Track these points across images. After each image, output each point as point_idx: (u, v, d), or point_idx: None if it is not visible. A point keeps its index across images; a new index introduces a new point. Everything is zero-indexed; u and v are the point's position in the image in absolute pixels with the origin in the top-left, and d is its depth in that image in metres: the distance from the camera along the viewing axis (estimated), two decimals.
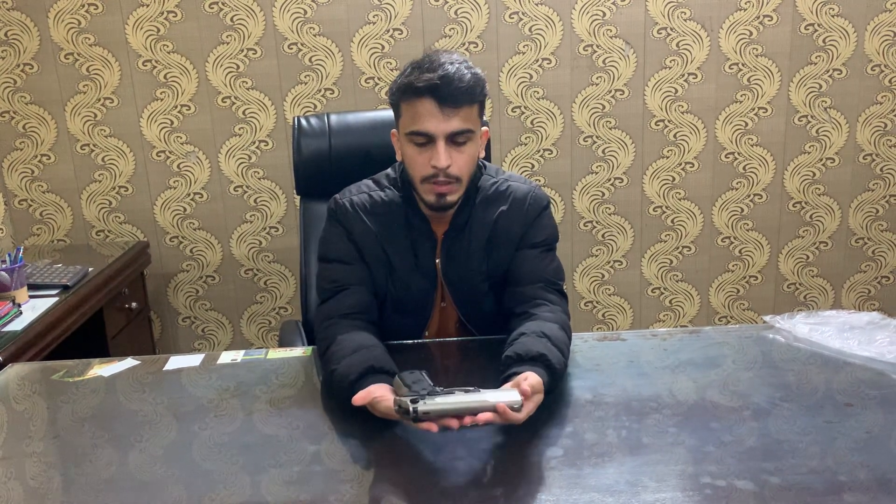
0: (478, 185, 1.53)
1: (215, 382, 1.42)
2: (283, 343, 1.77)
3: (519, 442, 1.16)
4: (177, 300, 2.80)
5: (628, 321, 2.88)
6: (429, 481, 1.10)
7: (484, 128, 1.48)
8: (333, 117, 1.95)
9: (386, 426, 1.20)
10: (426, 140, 1.39)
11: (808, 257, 2.83)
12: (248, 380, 1.42)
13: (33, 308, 1.90)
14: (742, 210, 2.77)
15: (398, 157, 1.50)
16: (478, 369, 1.46)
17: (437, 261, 1.51)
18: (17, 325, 1.79)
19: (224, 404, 1.33)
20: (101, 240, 2.72)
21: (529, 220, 1.52)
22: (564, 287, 1.51)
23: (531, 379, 1.17)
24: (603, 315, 2.88)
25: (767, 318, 1.57)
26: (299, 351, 1.54)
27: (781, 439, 1.16)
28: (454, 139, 1.39)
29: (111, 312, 2.23)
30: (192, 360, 1.52)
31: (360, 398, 1.18)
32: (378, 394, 1.19)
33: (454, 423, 1.10)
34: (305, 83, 2.59)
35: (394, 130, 1.49)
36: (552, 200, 1.53)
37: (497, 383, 1.22)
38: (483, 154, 1.52)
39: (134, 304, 2.40)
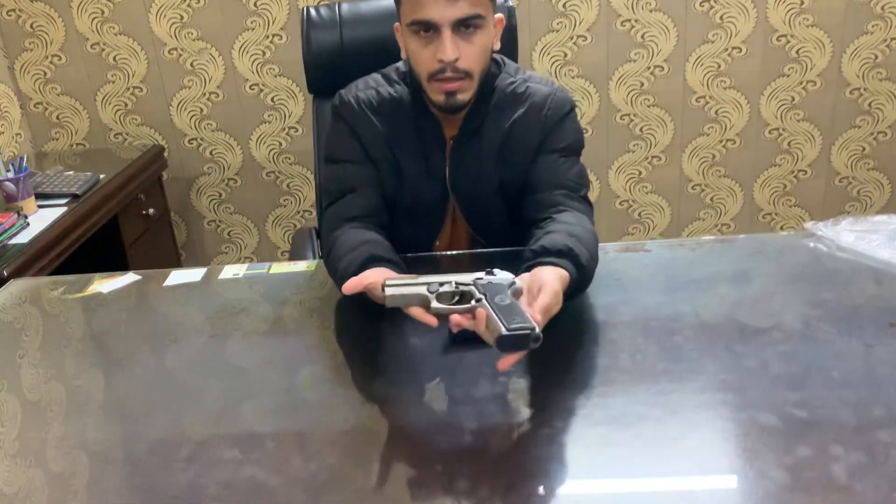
0: (494, 86, 1.38)
1: (215, 300, 1.36)
2: (294, 253, 1.70)
3: (519, 366, 1.07)
4: (200, 203, 2.75)
5: (666, 220, 2.74)
6: (427, 408, 1.03)
7: (498, 14, 1.32)
8: (345, 6, 1.79)
9: (392, 344, 1.13)
10: (430, 30, 1.25)
11: (863, 149, 2.62)
12: (249, 297, 1.36)
13: (42, 219, 1.85)
14: (793, 99, 2.56)
15: (403, 55, 1.36)
16: None
17: (446, 169, 1.40)
18: (24, 238, 1.75)
19: (221, 324, 1.28)
20: (120, 143, 2.65)
21: (549, 126, 1.37)
22: (589, 194, 1.38)
23: (544, 297, 1.01)
24: (639, 214, 2.74)
25: (809, 224, 1.43)
26: (303, 265, 1.46)
27: (812, 366, 1.05)
28: (461, 27, 1.24)
29: (127, 220, 2.19)
30: (194, 275, 1.46)
31: (350, 285, 1.08)
32: (372, 279, 1.10)
33: (431, 320, 1.02)
34: None
35: (397, 24, 1.35)
36: (576, 105, 1.38)
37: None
38: (498, 46, 1.37)
39: (151, 211, 2.35)
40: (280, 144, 2.65)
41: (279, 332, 1.24)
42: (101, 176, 2.13)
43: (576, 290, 1.13)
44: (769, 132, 2.59)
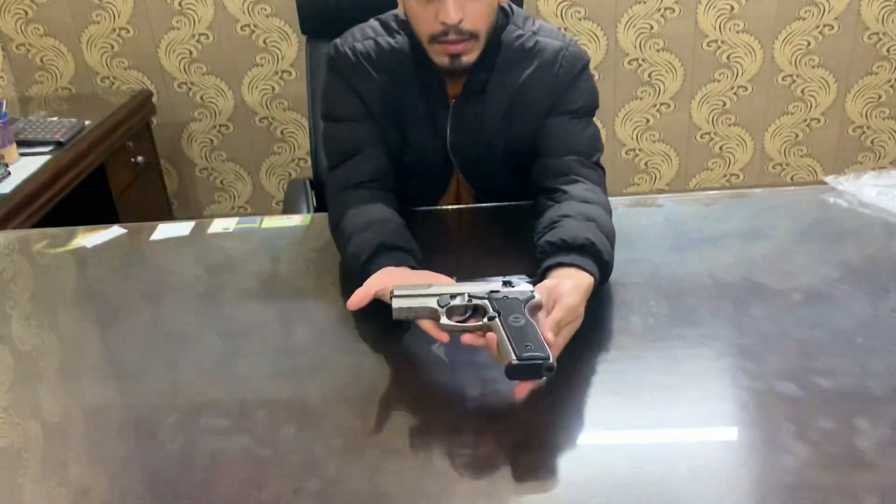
0: (500, 40, 1.25)
1: (203, 256, 1.30)
2: (287, 206, 1.63)
3: None
4: (192, 150, 2.67)
5: (673, 170, 2.66)
6: (431, 372, 0.98)
7: None
8: None
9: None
10: None
11: (879, 97, 2.53)
12: (241, 253, 1.29)
13: (24, 168, 1.77)
14: (808, 43, 2.45)
15: (399, 8, 1.25)
16: (500, 240, 1.30)
17: (448, 130, 1.30)
18: (5, 188, 1.68)
19: (212, 281, 1.21)
20: (107, 87, 2.55)
21: (561, 85, 1.25)
22: (602, 159, 1.28)
23: (558, 311, 0.89)
24: (645, 164, 2.66)
25: (829, 178, 1.36)
26: (297, 219, 1.39)
27: (836, 331, 0.99)
28: None
29: (114, 168, 2.11)
30: (182, 228, 1.39)
31: (356, 301, 0.98)
32: (378, 288, 1.00)
33: (442, 336, 0.93)
34: None
35: None
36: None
37: (524, 266, 1.08)
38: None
39: (140, 158, 2.27)
40: (273, 89, 2.55)
41: (272, 289, 1.18)
42: (87, 122, 2.04)
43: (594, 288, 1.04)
44: (782, 79, 2.50)
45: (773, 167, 2.63)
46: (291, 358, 1.03)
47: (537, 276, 1.03)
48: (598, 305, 1.07)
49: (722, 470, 0.81)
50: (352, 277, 1.07)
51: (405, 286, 0.97)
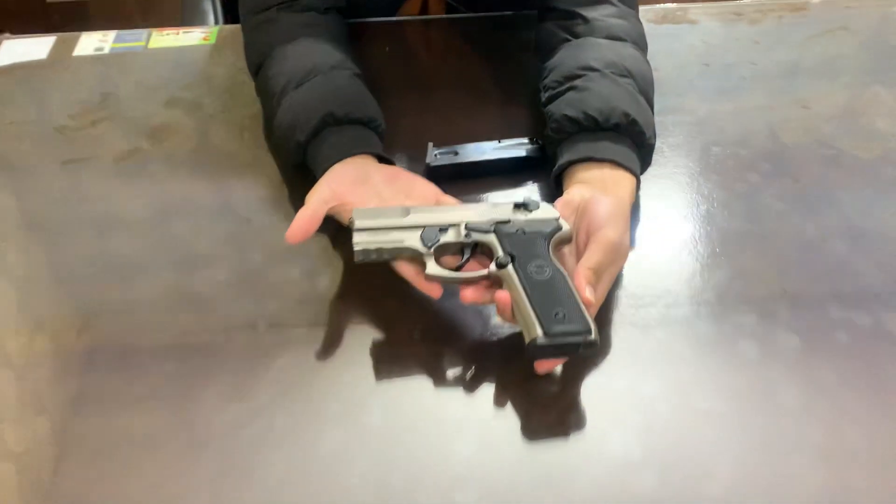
0: None
1: (65, 94, 0.91)
2: (185, 15, 1.18)
3: None
4: None
5: None
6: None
7: None
8: None
9: None
10: None
11: None
12: (117, 90, 0.91)
13: None
14: None
15: None
16: (487, 73, 0.94)
17: None
18: None
19: (82, 138, 0.85)
20: None
21: None
22: None
23: (593, 253, 0.60)
24: None
25: None
26: (198, 36, 1.00)
27: None
28: None
29: None
30: (35, 48, 0.98)
31: (298, 230, 0.64)
32: (331, 203, 0.66)
33: (431, 289, 0.63)
34: None
35: None
36: None
37: (530, 124, 0.78)
38: None
39: None
40: None
41: (169, 147, 0.83)
42: None
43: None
44: None
45: None
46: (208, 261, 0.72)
47: (552, 173, 0.72)
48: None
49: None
50: (285, 158, 0.75)
51: (370, 211, 0.64)
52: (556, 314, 0.56)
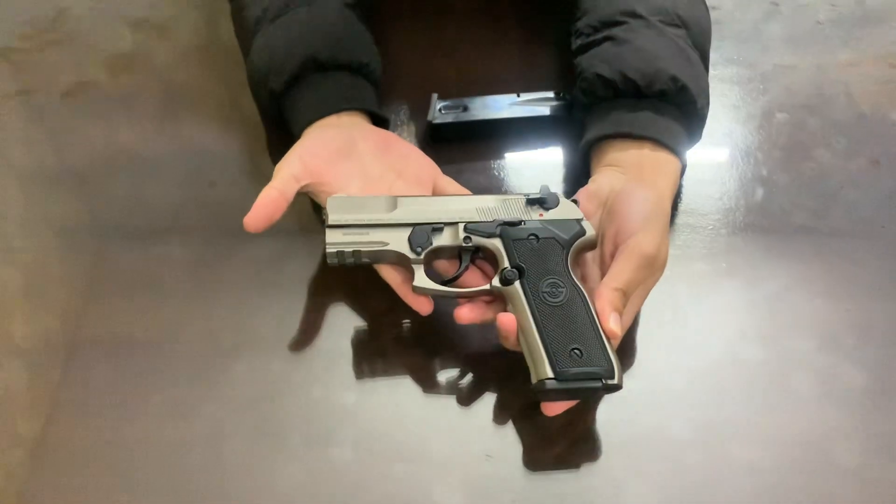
0: None
1: (15, 6, 0.78)
2: None
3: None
4: None
5: None
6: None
7: None
8: None
9: None
10: None
11: None
12: (74, 5, 0.78)
13: None
14: None
15: None
16: (502, 22, 0.79)
17: None
18: None
19: (34, 65, 0.73)
20: None
21: None
22: None
23: (622, 272, 0.48)
24: None
25: None
26: None
27: None
28: None
29: None
30: None
31: (260, 213, 0.51)
32: (306, 178, 0.53)
33: (419, 304, 0.51)
34: None
35: None
36: None
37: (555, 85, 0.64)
38: None
39: None
40: None
41: (129, 83, 0.71)
42: None
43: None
44: None
45: None
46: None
47: (580, 148, 0.58)
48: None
49: None
50: (261, 102, 0.62)
51: (348, 201, 0.51)
52: (574, 351, 0.45)
